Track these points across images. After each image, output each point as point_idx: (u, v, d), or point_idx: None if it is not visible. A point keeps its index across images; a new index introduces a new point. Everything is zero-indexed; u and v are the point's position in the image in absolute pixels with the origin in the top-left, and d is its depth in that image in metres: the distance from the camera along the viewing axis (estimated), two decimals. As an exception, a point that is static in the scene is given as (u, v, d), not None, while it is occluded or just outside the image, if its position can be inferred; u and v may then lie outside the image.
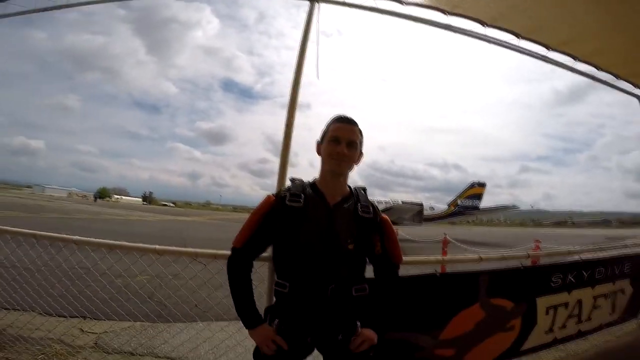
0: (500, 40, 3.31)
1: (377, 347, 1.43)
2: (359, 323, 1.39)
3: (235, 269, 1.42)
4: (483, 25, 3.02)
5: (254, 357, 1.41)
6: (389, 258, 1.52)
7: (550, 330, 2.70)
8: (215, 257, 1.98)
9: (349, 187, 1.50)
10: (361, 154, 1.50)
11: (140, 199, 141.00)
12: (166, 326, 3.37)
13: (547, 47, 3.40)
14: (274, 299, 1.45)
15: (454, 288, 2.22)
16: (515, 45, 3.39)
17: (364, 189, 1.54)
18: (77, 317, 3.14)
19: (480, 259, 2.38)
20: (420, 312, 2.08)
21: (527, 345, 2.55)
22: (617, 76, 3.94)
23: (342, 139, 1.39)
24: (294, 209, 1.36)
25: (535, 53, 3.53)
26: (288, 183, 1.55)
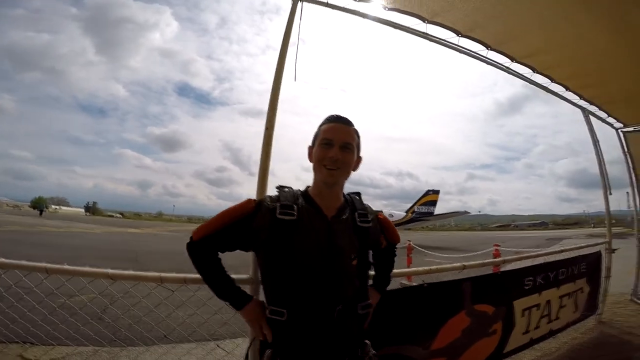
0: (471, 51, 3.44)
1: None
2: (368, 342, 1.26)
3: (199, 255, 1.23)
4: (458, 35, 3.10)
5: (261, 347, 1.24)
6: (390, 243, 1.49)
7: (527, 331, 2.81)
8: (185, 281, 1.67)
9: (343, 194, 1.35)
10: (359, 158, 1.34)
11: (83, 210, 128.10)
12: (123, 350, 2.96)
13: (512, 59, 3.59)
14: None
15: (441, 297, 2.20)
16: (483, 56, 3.53)
17: (359, 194, 1.41)
18: (17, 342, 2.68)
19: (464, 267, 2.37)
20: (410, 323, 2.02)
21: (509, 347, 2.63)
22: (567, 88, 4.29)
23: (335, 142, 1.23)
24: (285, 223, 1.17)
25: (501, 64, 3.71)
26: (270, 192, 1.37)
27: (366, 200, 1.41)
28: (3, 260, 1.72)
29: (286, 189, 1.30)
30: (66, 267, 1.72)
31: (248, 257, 1.56)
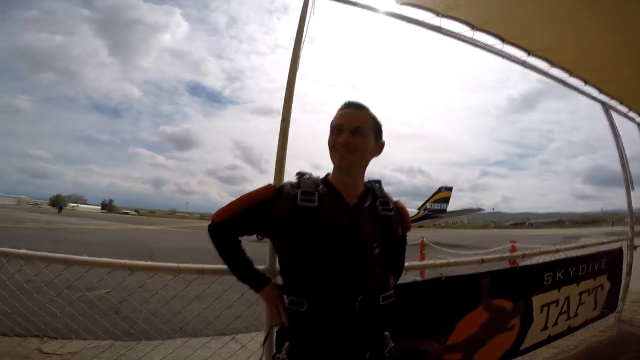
0: (486, 45, 3.35)
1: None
2: (387, 334, 1.24)
3: (219, 237, 1.26)
4: (472, 29, 3.02)
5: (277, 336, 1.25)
6: (404, 231, 1.46)
7: (545, 327, 2.75)
8: (202, 272, 1.69)
9: (364, 182, 1.33)
10: (379, 143, 1.30)
11: (100, 207, 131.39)
12: (138, 344, 2.99)
13: (528, 53, 3.49)
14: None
15: (459, 291, 2.16)
16: (499, 50, 3.43)
17: (379, 182, 1.38)
18: (37, 336, 2.74)
19: (483, 261, 2.33)
20: (427, 318, 1.99)
21: (526, 344, 2.59)
22: (586, 82, 4.15)
23: (345, 127, 1.21)
24: (306, 210, 1.15)
25: (516, 58, 3.61)
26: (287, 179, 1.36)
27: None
28: (25, 251, 1.75)
29: (306, 176, 1.28)
30: (85, 257, 1.75)
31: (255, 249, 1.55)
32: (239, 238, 1.29)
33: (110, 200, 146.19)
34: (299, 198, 1.16)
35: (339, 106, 1.30)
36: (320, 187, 1.23)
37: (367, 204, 1.24)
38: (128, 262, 1.71)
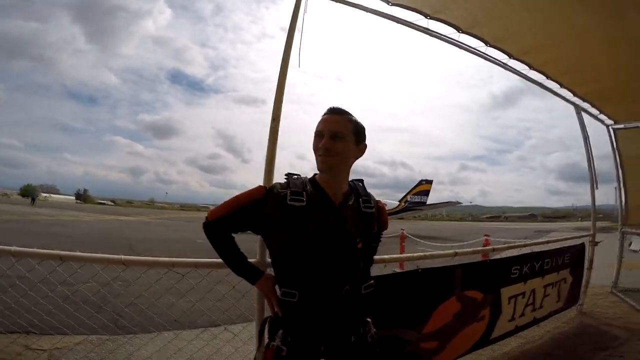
0: (471, 47, 3.49)
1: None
2: (369, 320, 1.37)
3: (213, 234, 1.35)
4: (458, 31, 3.15)
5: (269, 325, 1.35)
6: (380, 229, 1.53)
7: (512, 318, 2.96)
8: (196, 266, 1.77)
9: (348, 182, 1.42)
10: (361, 145, 1.36)
11: (74, 197, 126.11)
12: (128, 338, 2.98)
13: (510, 56, 3.66)
14: (266, 310, 1.40)
15: (433, 282, 2.32)
16: (483, 52, 3.59)
17: (362, 181, 1.48)
18: (19, 332, 2.67)
19: (456, 254, 2.50)
20: (405, 307, 2.13)
21: (495, 334, 2.78)
22: (561, 85, 4.39)
23: (325, 132, 1.28)
24: (296, 209, 1.24)
25: (499, 61, 3.77)
26: (276, 180, 1.45)
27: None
28: (16, 248, 1.73)
29: (295, 176, 1.36)
30: (79, 253, 1.77)
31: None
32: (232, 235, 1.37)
33: (85, 190, 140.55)
34: (289, 198, 1.26)
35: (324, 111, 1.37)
36: (308, 187, 1.31)
37: (351, 202, 1.35)
38: (123, 257, 1.75)
